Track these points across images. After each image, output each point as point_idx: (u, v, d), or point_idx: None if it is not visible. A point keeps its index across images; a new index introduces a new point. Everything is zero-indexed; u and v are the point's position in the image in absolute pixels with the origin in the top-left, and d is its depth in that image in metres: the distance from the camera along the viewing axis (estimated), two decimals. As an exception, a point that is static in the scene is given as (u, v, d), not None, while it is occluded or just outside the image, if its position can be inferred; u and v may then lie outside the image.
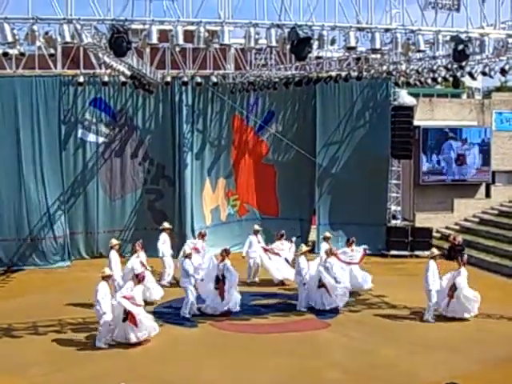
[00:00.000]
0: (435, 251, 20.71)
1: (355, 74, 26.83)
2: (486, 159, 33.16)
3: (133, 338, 17.51)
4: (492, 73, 22.14)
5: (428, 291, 19.88)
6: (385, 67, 26.42)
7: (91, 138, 28.86)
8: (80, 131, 28.64)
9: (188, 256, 20.57)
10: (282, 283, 24.11)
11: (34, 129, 27.12)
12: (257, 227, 25.91)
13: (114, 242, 22.41)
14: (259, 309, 21.30)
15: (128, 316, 17.48)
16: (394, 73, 27.26)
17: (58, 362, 16.31)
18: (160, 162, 29.78)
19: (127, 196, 29.69)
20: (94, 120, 28.81)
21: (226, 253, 20.73)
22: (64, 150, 28.18)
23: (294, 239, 25.37)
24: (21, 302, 21.64)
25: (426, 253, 25.47)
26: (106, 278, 17.87)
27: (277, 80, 28.34)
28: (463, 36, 17.25)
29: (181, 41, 16.13)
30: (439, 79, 24.90)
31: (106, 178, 29.34)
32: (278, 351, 17.26)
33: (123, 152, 29.51)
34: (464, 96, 56.64)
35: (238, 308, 20.56)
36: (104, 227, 29.15)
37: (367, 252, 23.98)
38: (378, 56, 25.39)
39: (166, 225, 25.14)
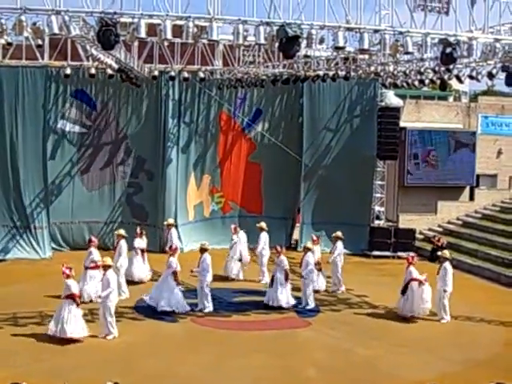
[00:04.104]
0: (447, 252, 20.93)
1: (343, 73, 26.84)
2: (470, 162, 33.29)
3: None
4: (479, 76, 22.20)
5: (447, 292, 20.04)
6: (372, 68, 26.46)
7: (72, 128, 28.85)
8: (60, 122, 28.65)
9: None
10: None
11: (18, 118, 27.07)
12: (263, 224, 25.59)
13: (123, 232, 22.71)
14: (240, 306, 21.29)
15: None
16: (382, 74, 27.26)
17: (39, 354, 16.26)
18: (141, 155, 29.76)
19: (105, 188, 29.69)
20: (76, 111, 28.80)
21: (170, 249, 21.08)
22: (47, 140, 28.15)
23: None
24: (2, 292, 21.49)
25: (411, 254, 25.67)
26: (107, 267, 17.89)
27: (264, 77, 28.33)
28: (451, 39, 17.27)
29: (169, 35, 16.05)
30: (426, 81, 24.94)
31: (85, 169, 29.33)
32: (258, 349, 17.26)
33: (104, 144, 29.53)
34: (451, 99, 56.85)
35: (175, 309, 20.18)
36: (81, 218, 29.16)
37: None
38: (366, 56, 25.40)
39: (171, 220, 25.83)
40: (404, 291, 20.12)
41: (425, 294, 20.16)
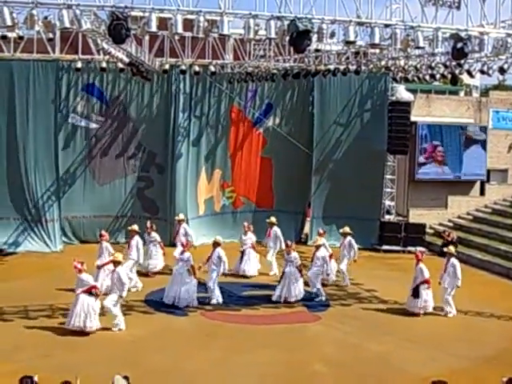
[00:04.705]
0: (452, 248, 20.97)
1: (354, 68, 26.80)
2: (481, 157, 33.20)
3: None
4: (490, 71, 22.14)
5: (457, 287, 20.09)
6: (383, 62, 26.40)
7: (83, 123, 28.86)
8: (71, 115, 28.66)
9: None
10: None
11: (29, 112, 27.09)
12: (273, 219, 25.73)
13: (136, 227, 22.86)
14: (250, 300, 21.30)
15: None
16: (393, 68, 27.29)
17: (47, 348, 16.31)
18: (151, 149, 29.73)
19: (116, 182, 29.68)
20: (87, 105, 28.81)
21: (182, 246, 21.07)
22: (58, 134, 28.16)
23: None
24: (12, 285, 21.60)
25: (420, 249, 25.65)
26: (117, 263, 18.07)
27: (275, 72, 28.32)
28: (463, 34, 17.23)
29: (180, 29, 16.08)
30: (437, 76, 24.90)
31: (96, 163, 29.33)
32: (267, 343, 17.28)
33: (115, 138, 29.50)
34: (462, 93, 56.67)
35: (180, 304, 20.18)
36: (92, 212, 29.20)
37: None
38: (377, 51, 25.35)
39: (181, 216, 25.87)
40: (416, 293, 20.03)
41: (427, 297, 20.12)
